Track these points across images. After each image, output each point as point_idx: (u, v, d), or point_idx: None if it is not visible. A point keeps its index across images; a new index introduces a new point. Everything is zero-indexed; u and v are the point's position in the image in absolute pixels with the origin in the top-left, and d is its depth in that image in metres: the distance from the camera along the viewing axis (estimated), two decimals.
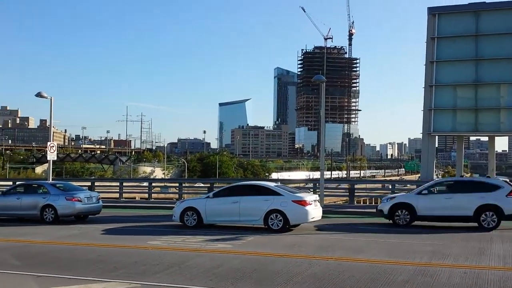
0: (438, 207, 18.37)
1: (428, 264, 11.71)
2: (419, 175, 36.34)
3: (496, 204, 17.59)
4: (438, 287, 9.55)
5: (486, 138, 37.31)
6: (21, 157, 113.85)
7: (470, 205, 17.78)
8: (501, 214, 17.56)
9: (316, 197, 19.13)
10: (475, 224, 17.90)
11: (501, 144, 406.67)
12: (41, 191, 21.77)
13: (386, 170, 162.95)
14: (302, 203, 17.39)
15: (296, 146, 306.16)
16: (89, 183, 33.50)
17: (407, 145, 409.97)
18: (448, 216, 18.38)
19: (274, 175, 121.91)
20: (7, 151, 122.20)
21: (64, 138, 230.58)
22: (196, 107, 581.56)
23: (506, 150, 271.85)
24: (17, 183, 27.54)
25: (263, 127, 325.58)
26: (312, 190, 28.62)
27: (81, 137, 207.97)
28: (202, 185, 39.44)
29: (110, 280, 10.21)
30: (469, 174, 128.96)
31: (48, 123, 32.32)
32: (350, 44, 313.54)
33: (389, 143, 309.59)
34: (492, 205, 17.63)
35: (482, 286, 9.65)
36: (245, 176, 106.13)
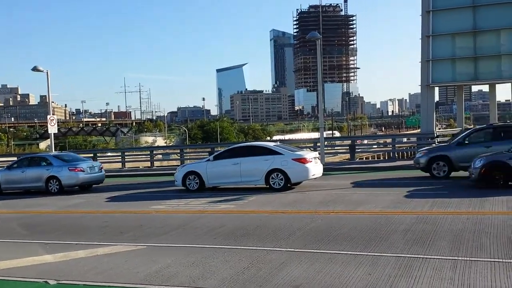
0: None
1: (429, 212, 11.86)
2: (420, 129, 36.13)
3: None
4: (440, 233, 9.67)
5: (487, 88, 36.94)
6: (25, 134, 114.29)
7: None
8: None
9: (316, 154, 19.22)
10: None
11: (504, 93, 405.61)
12: (44, 163, 21.97)
13: (388, 128, 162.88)
14: (302, 160, 17.48)
15: (296, 108, 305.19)
16: (91, 155, 33.68)
17: (408, 101, 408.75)
18: None
19: (276, 138, 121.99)
20: (10, 129, 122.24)
21: (65, 113, 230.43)
22: (194, 75, 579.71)
23: (509, 100, 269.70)
24: (21, 157, 27.72)
25: (262, 91, 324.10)
26: (313, 149, 28.71)
27: (81, 111, 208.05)
28: (204, 150, 39.49)
29: (116, 243, 10.37)
30: (472, 125, 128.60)
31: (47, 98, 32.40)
32: (345, 1, 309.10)
33: (390, 99, 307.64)
34: None
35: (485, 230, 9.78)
36: (247, 140, 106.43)
